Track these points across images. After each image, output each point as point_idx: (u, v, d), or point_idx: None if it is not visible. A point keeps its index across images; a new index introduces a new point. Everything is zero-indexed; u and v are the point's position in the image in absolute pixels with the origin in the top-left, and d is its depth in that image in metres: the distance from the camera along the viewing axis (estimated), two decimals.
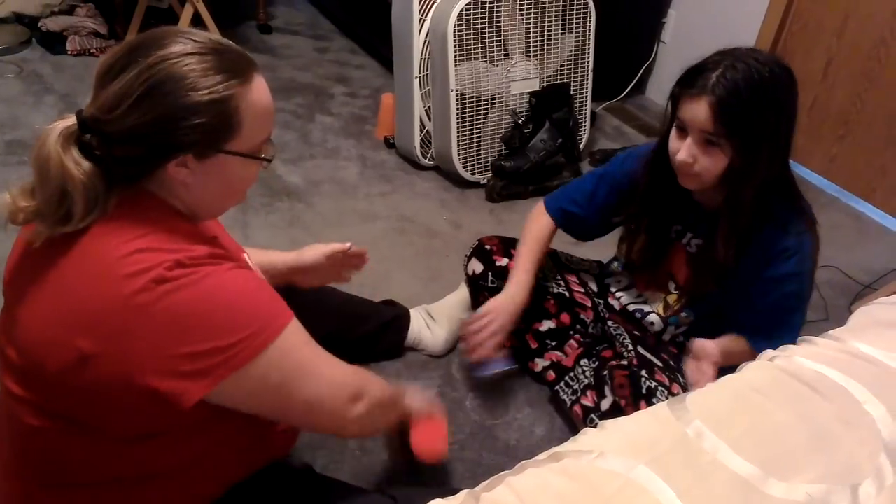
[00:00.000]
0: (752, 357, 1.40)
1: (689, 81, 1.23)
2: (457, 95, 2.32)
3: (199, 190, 0.91)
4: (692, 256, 1.46)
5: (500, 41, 2.34)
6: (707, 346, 1.36)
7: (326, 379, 0.97)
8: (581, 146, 2.66)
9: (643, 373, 1.41)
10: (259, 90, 0.90)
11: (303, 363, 0.94)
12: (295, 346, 0.92)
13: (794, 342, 1.39)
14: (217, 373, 0.84)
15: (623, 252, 1.57)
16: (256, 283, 0.92)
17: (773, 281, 1.34)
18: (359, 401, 1.01)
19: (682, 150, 1.25)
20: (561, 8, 2.42)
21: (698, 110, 1.21)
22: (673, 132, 1.29)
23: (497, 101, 2.43)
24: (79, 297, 0.84)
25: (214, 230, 1.04)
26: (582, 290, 1.70)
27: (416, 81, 2.38)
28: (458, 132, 2.38)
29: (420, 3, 2.28)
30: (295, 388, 0.93)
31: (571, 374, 1.59)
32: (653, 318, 1.56)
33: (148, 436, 0.91)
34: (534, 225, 1.63)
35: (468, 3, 2.21)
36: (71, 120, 0.85)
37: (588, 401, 1.47)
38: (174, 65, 0.83)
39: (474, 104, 2.38)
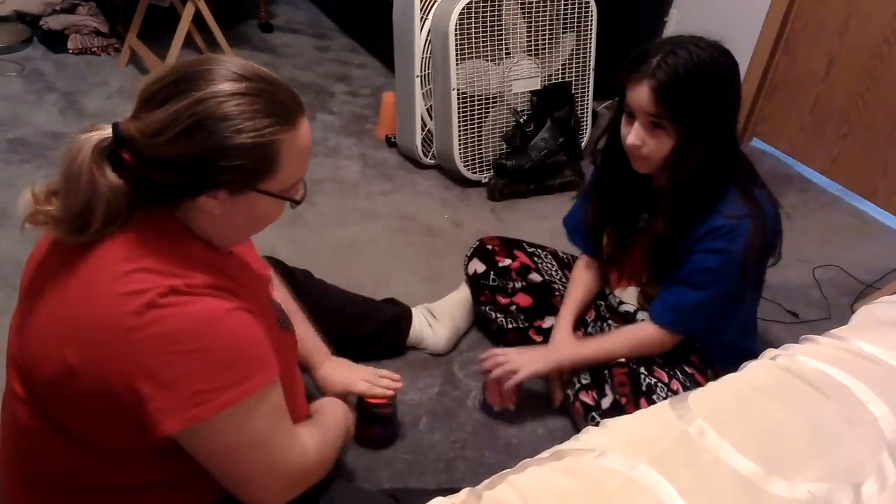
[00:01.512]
0: (658, 337, 1.43)
1: (633, 67, 1.28)
2: (458, 94, 2.32)
3: (223, 221, 0.91)
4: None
5: (501, 40, 2.34)
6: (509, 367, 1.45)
7: (272, 460, 0.93)
8: (582, 145, 2.66)
9: (642, 370, 1.41)
10: (302, 134, 0.89)
11: (259, 434, 0.90)
12: (259, 414, 0.89)
13: (689, 321, 1.41)
14: (191, 413, 0.83)
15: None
16: (249, 331, 0.89)
17: (696, 254, 1.36)
18: (295, 487, 0.98)
19: (631, 133, 1.31)
20: (562, 7, 2.42)
21: (641, 94, 1.26)
22: (623, 118, 1.34)
23: (498, 99, 2.43)
24: (75, 308, 0.84)
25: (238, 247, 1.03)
26: None
27: (418, 80, 2.38)
28: (459, 131, 2.38)
29: (421, 1, 2.28)
30: (238, 458, 0.90)
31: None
32: (641, 315, 1.55)
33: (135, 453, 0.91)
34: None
35: (469, 2, 2.21)
36: (106, 132, 0.84)
37: (588, 399, 1.47)
38: (223, 103, 0.82)
39: (476, 103, 2.38)
